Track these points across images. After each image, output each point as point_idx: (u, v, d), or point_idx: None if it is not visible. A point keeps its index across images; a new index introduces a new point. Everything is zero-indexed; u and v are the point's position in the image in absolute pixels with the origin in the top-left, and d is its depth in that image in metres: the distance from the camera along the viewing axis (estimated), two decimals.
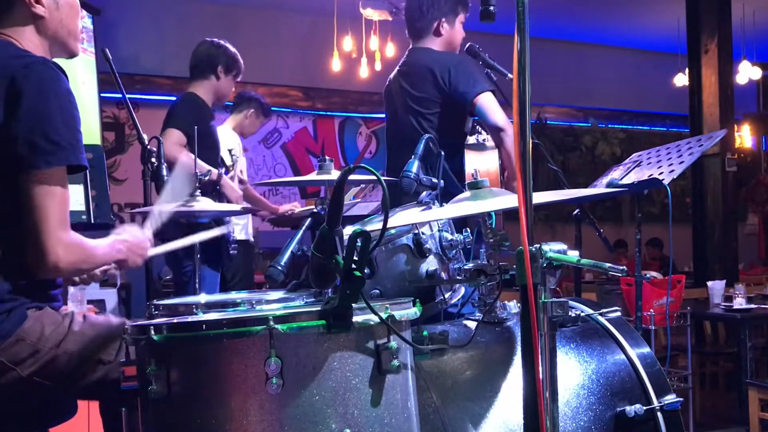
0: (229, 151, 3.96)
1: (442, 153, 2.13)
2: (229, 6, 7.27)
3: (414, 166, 2.02)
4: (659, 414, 1.75)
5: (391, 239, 1.77)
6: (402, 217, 1.80)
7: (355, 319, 1.27)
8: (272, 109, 5.45)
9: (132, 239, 1.90)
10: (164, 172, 2.57)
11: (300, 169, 7.82)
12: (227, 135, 4.32)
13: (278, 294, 1.89)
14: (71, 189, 1.74)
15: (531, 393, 1.26)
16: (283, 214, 4.70)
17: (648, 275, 4.71)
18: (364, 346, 1.31)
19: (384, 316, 1.31)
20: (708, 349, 5.30)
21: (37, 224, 1.63)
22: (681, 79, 7.85)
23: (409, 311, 1.39)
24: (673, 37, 7.65)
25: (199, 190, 2.59)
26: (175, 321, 1.46)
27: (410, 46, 3.20)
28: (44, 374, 1.70)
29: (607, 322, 1.90)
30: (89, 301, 3.62)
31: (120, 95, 2.54)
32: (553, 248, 1.29)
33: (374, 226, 1.77)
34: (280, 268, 1.77)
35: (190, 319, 1.55)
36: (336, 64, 6.70)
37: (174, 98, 3.92)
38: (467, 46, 3.11)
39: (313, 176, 2.15)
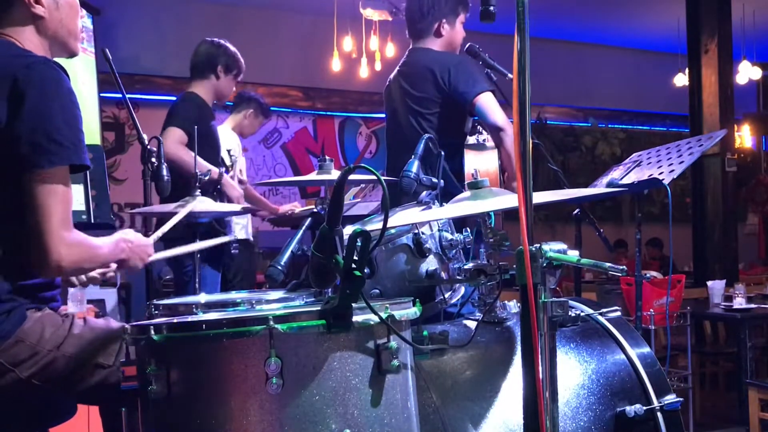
0: (228, 151, 3.96)
1: (442, 153, 2.13)
2: (229, 6, 7.26)
3: (414, 166, 2.02)
4: (659, 414, 1.75)
5: (391, 239, 1.77)
6: (402, 217, 1.80)
7: (355, 318, 1.27)
8: (272, 109, 5.45)
9: (136, 240, 1.90)
10: (164, 172, 2.57)
11: (300, 169, 7.82)
12: (226, 135, 4.32)
13: (278, 294, 1.89)
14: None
15: (531, 393, 1.26)
16: (284, 214, 4.70)
17: (648, 275, 4.71)
18: (364, 345, 1.30)
19: (384, 315, 1.30)
20: (708, 349, 5.30)
21: (39, 224, 1.63)
22: (681, 79, 7.85)
23: (409, 311, 1.39)
24: (673, 37, 7.65)
25: (200, 190, 2.59)
26: (175, 321, 1.46)
27: (410, 46, 3.20)
28: (43, 376, 1.70)
29: (607, 322, 1.90)
30: (89, 301, 3.61)
31: (120, 95, 2.54)
32: (553, 248, 1.29)
33: (374, 225, 1.77)
34: (280, 267, 1.78)
35: (190, 319, 1.55)
36: (336, 64, 6.70)
37: (174, 98, 3.92)
38: (467, 46, 3.11)
39: (313, 176, 2.15)
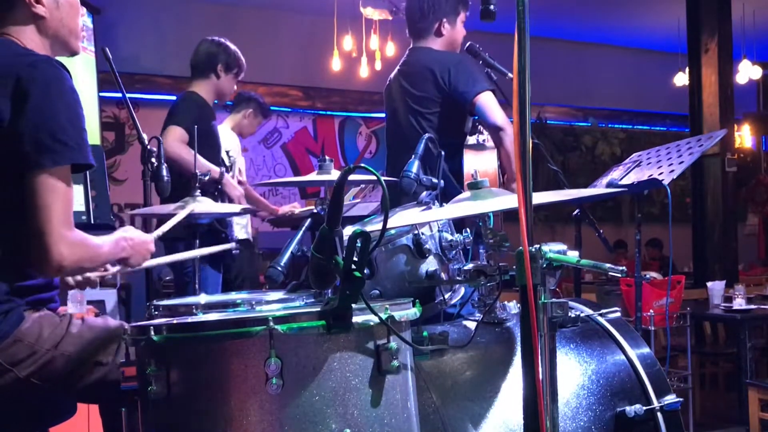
0: (227, 152, 3.96)
1: (442, 153, 2.13)
2: (229, 6, 7.26)
3: (414, 166, 2.02)
4: (659, 414, 1.75)
5: (390, 240, 1.77)
6: (402, 218, 1.80)
7: (354, 319, 1.27)
8: (272, 108, 5.45)
9: (137, 237, 1.90)
10: (164, 172, 2.56)
11: (300, 169, 7.82)
12: (225, 135, 4.32)
13: (278, 294, 1.89)
14: None
15: (531, 393, 1.26)
16: (283, 215, 4.70)
17: (648, 276, 4.71)
18: (364, 346, 1.31)
19: (384, 316, 1.31)
20: (708, 350, 5.30)
21: (41, 223, 1.63)
22: (681, 79, 7.85)
23: (408, 312, 1.39)
24: (673, 37, 7.65)
25: (199, 190, 2.58)
26: (174, 322, 1.46)
27: (410, 46, 3.20)
28: (42, 376, 1.70)
29: (607, 323, 1.90)
30: (89, 302, 3.61)
31: (120, 95, 2.54)
32: (552, 249, 1.29)
33: (374, 226, 1.77)
34: (279, 268, 1.78)
35: (190, 319, 1.55)
36: (336, 64, 6.70)
37: (174, 98, 3.92)
38: (467, 45, 3.11)
39: (313, 176, 2.15)
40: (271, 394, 1.23)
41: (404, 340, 1.36)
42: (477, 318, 1.85)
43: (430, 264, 1.80)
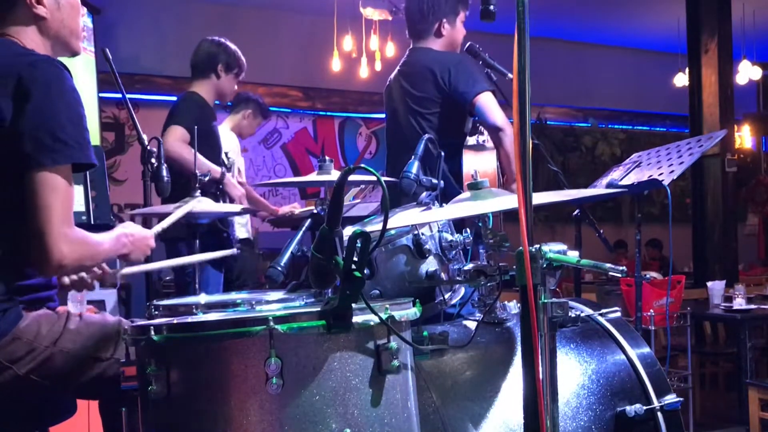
0: (225, 153, 3.96)
1: (442, 153, 2.13)
2: (229, 6, 7.26)
3: (414, 166, 2.02)
4: (659, 414, 1.75)
5: (390, 240, 1.77)
6: (402, 218, 1.80)
7: (355, 319, 1.27)
8: (272, 109, 5.45)
9: (137, 233, 1.90)
10: (164, 172, 2.56)
11: (300, 170, 7.82)
12: (225, 136, 4.32)
13: (278, 294, 1.89)
14: None
15: (531, 393, 1.26)
16: (283, 215, 4.70)
17: (648, 276, 4.71)
18: (364, 346, 1.31)
19: (384, 316, 1.31)
20: (708, 350, 5.31)
21: (41, 222, 1.63)
22: (681, 79, 7.85)
23: (408, 312, 1.39)
24: (673, 37, 7.65)
25: (199, 190, 2.59)
26: (174, 321, 1.46)
27: (410, 46, 3.20)
28: (41, 372, 1.70)
29: (607, 323, 1.90)
30: (89, 302, 3.61)
31: (120, 95, 2.54)
32: (552, 249, 1.29)
33: (374, 226, 1.77)
34: (279, 268, 1.78)
35: (190, 319, 1.55)
36: (336, 64, 6.70)
37: (174, 98, 3.92)
38: (467, 45, 3.11)
39: (313, 177, 2.15)
40: (271, 393, 1.23)
41: (404, 340, 1.36)
42: (477, 318, 1.85)
43: (430, 264, 1.80)
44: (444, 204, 1.92)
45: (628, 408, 1.72)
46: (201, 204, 2.49)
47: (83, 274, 1.93)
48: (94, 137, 5.11)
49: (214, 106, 3.82)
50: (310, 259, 1.32)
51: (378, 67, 6.60)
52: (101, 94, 5.46)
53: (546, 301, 1.27)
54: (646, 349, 1.86)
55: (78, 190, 3.24)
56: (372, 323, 1.30)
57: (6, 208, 1.69)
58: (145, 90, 6.86)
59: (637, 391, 1.78)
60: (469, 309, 1.96)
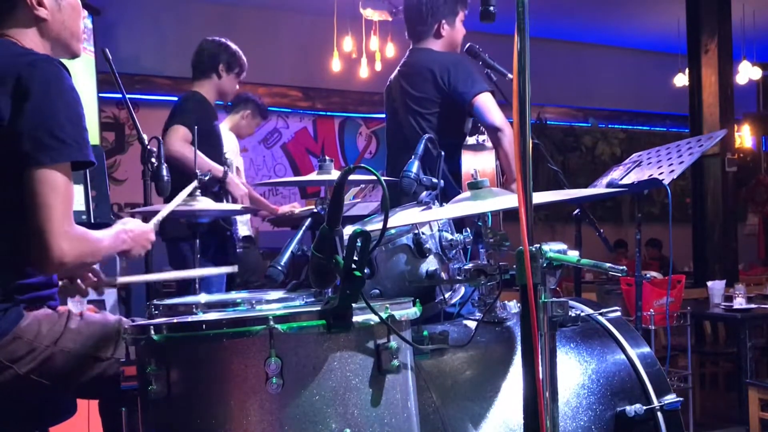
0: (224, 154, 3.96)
1: (442, 153, 2.13)
2: (229, 6, 7.26)
3: (414, 166, 2.03)
4: (659, 414, 1.75)
5: (391, 239, 1.77)
6: (402, 217, 1.80)
7: (355, 319, 1.27)
8: (272, 109, 5.45)
9: (137, 229, 1.90)
10: (164, 172, 2.57)
11: (300, 169, 7.82)
12: (223, 136, 4.32)
13: (278, 294, 1.89)
14: None
15: (531, 393, 1.26)
16: (283, 215, 4.71)
17: (648, 275, 4.71)
18: (364, 346, 1.31)
19: (384, 316, 1.31)
20: (708, 349, 5.30)
21: (41, 221, 1.63)
22: (681, 79, 7.85)
23: (409, 311, 1.39)
24: (673, 37, 7.65)
25: (200, 190, 2.59)
26: (174, 321, 1.46)
27: (411, 46, 3.20)
28: (42, 372, 1.71)
29: (607, 322, 1.90)
30: (89, 302, 3.61)
31: (120, 95, 2.54)
32: (553, 248, 1.29)
33: (374, 226, 1.77)
34: (279, 268, 1.78)
35: (190, 318, 1.55)
36: (336, 64, 6.70)
37: (174, 98, 3.93)
38: (467, 46, 3.11)
39: (313, 176, 2.15)
40: (271, 393, 1.23)
41: (404, 340, 1.36)
42: (477, 317, 1.85)
43: (430, 263, 1.80)
44: (443, 203, 1.92)
45: (628, 408, 1.72)
46: (201, 203, 2.49)
47: (78, 280, 1.94)
48: (94, 137, 5.12)
49: (215, 106, 3.82)
50: (310, 259, 1.32)
51: (378, 67, 6.60)
52: (101, 94, 5.45)
53: (546, 300, 1.27)
54: (646, 349, 1.86)
55: (78, 190, 3.24)
56: (372, 323, 1.29)
57: (6, 207, 1.69)
58: (145, 90, 6.86)
59: (637, 391, 1.78)
60: (469, 308, 1.96)
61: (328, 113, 8.08)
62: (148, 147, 2.58)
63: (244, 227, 4.32)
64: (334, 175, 2.04)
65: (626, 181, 2.98)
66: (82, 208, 3.39)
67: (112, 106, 6.77)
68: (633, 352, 1.83)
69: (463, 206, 1.73)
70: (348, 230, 1.44)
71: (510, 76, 2.84)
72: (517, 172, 1.27)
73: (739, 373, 4.27)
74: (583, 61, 9.10)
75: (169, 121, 3.57)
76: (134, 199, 6.36)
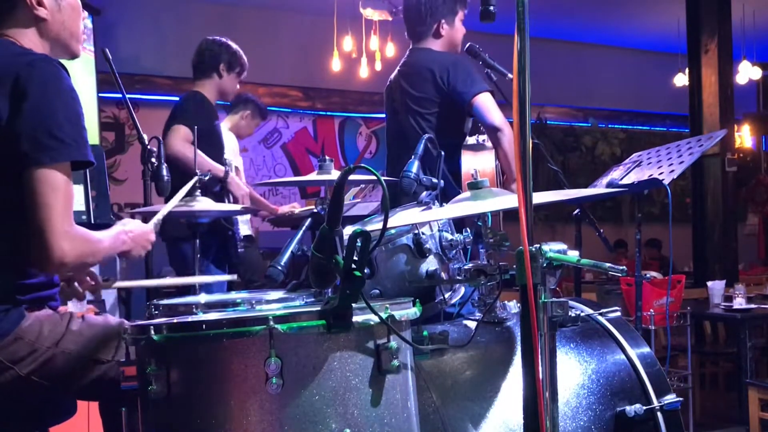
0: None
1: (442, 153, 2.13)
2: (229, 6, 7.26)
3: (414, 166, 2.02)
4: (659, 414, 1.75)
5: (391, 239, 1.77)
6: (402, 217, 1.80)
7: (355, 319, 1.27)
8: (272, 109, 5.45)
9: (137, 229, 1.90)
10: (164, 172, 2.57)
11: (300, 169, 7.82)
12: (223, 137, 4.33)
13: (278, 294, 1.89)
14: None
15: (531, 393, 1.26)
16: (283, 215, 4.71)
17: (648, 275, 4.71)
18: (364, 346, 1.31)
19: (384, 316, 1.31)
20: (708, 349, 5.30)
21: (41, 220, 1.63)
22: (681, 79, 7.85)
23: (409, 311, 1.39)
24: (673, 37, 7.65)
25: (200, 190, 2.59)
26: (174, 321, 1.46)
27: (410, 46, 3.20)
28: (42, 373, 1.71)
29: (607, 322, 1.90)
30: (89, 301, 3.61)
31: (120, 95, 2.54)
32: (553, 248, 1.29)
33: (374, 226, 1.77)
34: (280, 268, 1.78)
35: (190, 319, 1.55)
36: (336, 64, 6.70)
37: (174, 98, 3.93)
38: (467, 46, 3.11)
39: (313, 176, 2.15)
40: (271, 393, 1.23)
41: (404, 340, 1.36)
42: (477, 317, 1.85)
43: (430, 263, 1.80)
44: (443, 204, 1.92)
45: (627, 408, 1.72)
46: (201, 203, 2.49)
47: (75, 283, 1.94)
48: (94, 137, 5.12)
49: (216, 106, 3.83)
50: (310, 259, 1.32)
51: (378, 67, 6.60)
52: (101, 94, 5.45)
53: (546, 300, 1.27)
54: (646, 349, 1.86)
55: (78, 190, 3.24)
56: (372, 323, 1.29)
57: (6, 207, 1.69)
58: (145, 90, 6.86)
59: (637, 391, 1.78)
60: (469, 308, 1.96)
61: (328, 113, 8.08)
62: (148, 147, 2.58)
63: (244, 227, 4.33)
64: (334, 175, 2.04)
65: (626, 181, 2.98)
66: (82, 208, 3.38)
67: (112, 106, 6.77)
68: (633, 352, 1.83)
69: (463, 206, 1.73)
70: (348, 230, 1.44)
71: (510, 76, 2.84)
72: (517, 172, 1.27)
73: (739, 373, 4.27)
74: (583, 61, 9.10)
75: (170, 120, 3.57)
76: (134, 199, 6.36)
